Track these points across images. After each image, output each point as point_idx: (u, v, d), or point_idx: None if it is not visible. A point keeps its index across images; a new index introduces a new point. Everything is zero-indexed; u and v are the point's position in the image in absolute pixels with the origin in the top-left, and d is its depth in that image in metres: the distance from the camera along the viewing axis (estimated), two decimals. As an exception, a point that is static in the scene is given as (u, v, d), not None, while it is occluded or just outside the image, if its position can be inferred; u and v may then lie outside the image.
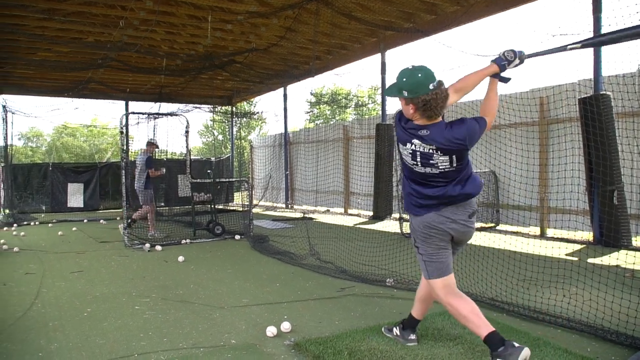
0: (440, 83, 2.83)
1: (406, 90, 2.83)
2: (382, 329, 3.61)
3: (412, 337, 3.39)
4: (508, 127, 8.81)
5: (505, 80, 3.07)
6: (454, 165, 2.85)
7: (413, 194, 3.04)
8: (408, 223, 8.77)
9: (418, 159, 2.90)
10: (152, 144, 9.36)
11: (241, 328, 3.90)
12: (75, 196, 15.34)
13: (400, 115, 3.01)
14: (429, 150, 2.83)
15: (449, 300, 2.97)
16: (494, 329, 2.85)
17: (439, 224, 2.95)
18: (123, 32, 10.49)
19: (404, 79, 2.86)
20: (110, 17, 10.02)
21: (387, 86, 3.05)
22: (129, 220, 8.64)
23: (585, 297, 4.17)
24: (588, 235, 7.75)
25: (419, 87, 2.79)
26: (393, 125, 9.52)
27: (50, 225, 11.64)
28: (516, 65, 3.02)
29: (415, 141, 2.87)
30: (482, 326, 2.85)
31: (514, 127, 8.82)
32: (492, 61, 3.03)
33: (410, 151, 2.91)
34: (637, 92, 7.06)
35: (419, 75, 2.82)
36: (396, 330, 3.47)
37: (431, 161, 2.86)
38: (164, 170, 9.52)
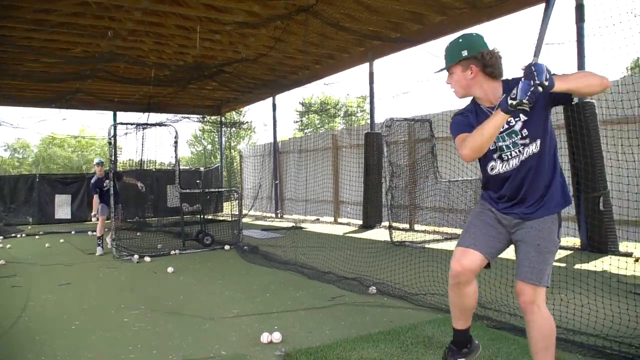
0: None
1: (465, 49, 2.58)
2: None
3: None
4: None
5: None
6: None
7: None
8: (396, 231, 8.87)
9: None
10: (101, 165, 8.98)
11: (231, 339, 3.89)
12: (62, 207, 15.19)
13: (455, 118, 2.69)
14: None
15: (450, 280, 2.74)
16: (469, 326, 2.83)
17: (486, 199, 2.81)
18: (111, 43, 10.48)
19: (460, 40, 2.64)
20: (98, 28, 10.01)
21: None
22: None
23: (576, 303, 4.18)
24: (575, 242, 7.83)
25: (477, 43, 2.60)
26: (382, 133, 9.47)
27: (37, 237, 11.51)
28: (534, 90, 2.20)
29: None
30: (459, 320, 2.81)
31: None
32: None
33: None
34: (620, 100, 7.17)
35: (474, 34, 2.67)
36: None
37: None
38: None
